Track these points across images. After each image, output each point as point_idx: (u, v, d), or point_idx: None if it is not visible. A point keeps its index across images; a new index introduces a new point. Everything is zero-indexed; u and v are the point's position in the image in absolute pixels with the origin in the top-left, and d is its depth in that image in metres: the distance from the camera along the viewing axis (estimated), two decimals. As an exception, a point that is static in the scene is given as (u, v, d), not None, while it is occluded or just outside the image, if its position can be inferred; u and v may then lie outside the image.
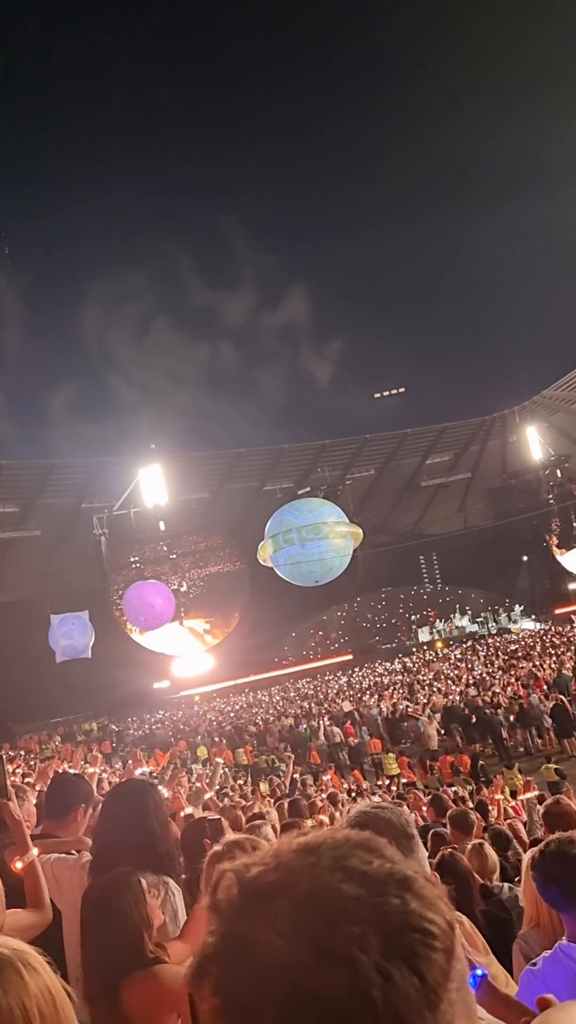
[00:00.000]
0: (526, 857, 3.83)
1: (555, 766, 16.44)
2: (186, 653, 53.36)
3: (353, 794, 12.93)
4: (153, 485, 52.70)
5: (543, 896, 2.69)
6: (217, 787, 9.63)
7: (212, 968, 0.62)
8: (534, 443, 63.91)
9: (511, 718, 22.65)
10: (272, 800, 11.30)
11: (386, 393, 71.53)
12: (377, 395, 71.44)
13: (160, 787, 6.94)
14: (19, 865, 2.84)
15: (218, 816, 3.83)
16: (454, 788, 14.10)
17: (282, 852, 0.68)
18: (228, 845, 2.88)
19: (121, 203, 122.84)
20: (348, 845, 0.68)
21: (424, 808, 9.11)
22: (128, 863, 2.65)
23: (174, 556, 55.29)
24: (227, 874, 0.69)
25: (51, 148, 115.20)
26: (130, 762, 9.80)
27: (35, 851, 2.89)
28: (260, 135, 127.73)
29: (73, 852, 3.50)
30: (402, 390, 70.09)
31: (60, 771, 5.78)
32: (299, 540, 37.03)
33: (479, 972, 2.75)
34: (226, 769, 22.25)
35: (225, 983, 0.61)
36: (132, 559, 54.64)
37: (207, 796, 7.88)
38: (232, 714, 37.48)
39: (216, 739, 28.95)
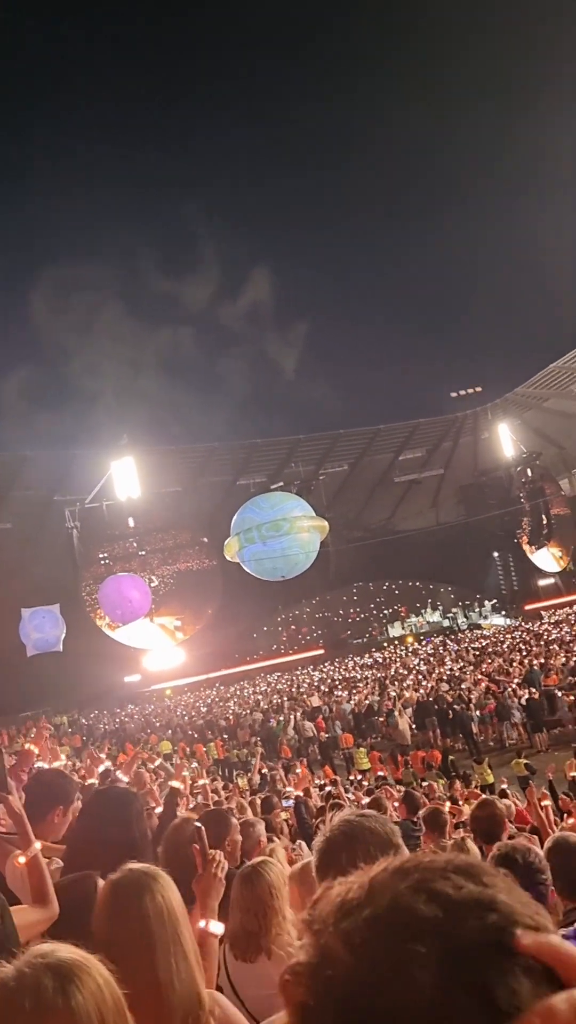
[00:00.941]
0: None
1: (525, 761, 16.62)
2: (157, 647, 53.24)
3: (326, 789, 12.94)
4: (126, 478, 52.41)
5: None
6: (189, 782, 9.57)
7: (297, 978, 0.63)
8: (506, 440, 64.36)
9: (481, 713, 22.83)
10: (249, 794, 11.32)
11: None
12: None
13: (119, 773, 6.93)
14: (22, 860, 2.78)
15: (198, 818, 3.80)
16: (426, 783, 14.20)
17: (377, 872, 0.68)
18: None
19: (82, 188, 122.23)
20: (446, 869, 0.66)
21: (396, 804, 9.15)
22: (103, 872, 2.60)
23: (143, 553, 55.07)
24: (329, 890, 0.69)
25: (5, 133, 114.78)
26: (87, 761, 9.74)
27: (38, 845, 2.84)
28: (225, 120, 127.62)
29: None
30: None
31: (40, 767, 5.69)
32: (259, 538, 37.09)
33: None
34: (194, 765, 22.25)
35: (300, 994, 0.62)
36: (101, 555, 54.38)
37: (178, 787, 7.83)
38: (203, 708, 37.41)
39: (188, 733, 28.95)
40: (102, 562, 54.27)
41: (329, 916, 0.66)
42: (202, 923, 2.73)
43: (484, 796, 5.40)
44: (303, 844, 7.33)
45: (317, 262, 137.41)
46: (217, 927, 2.77)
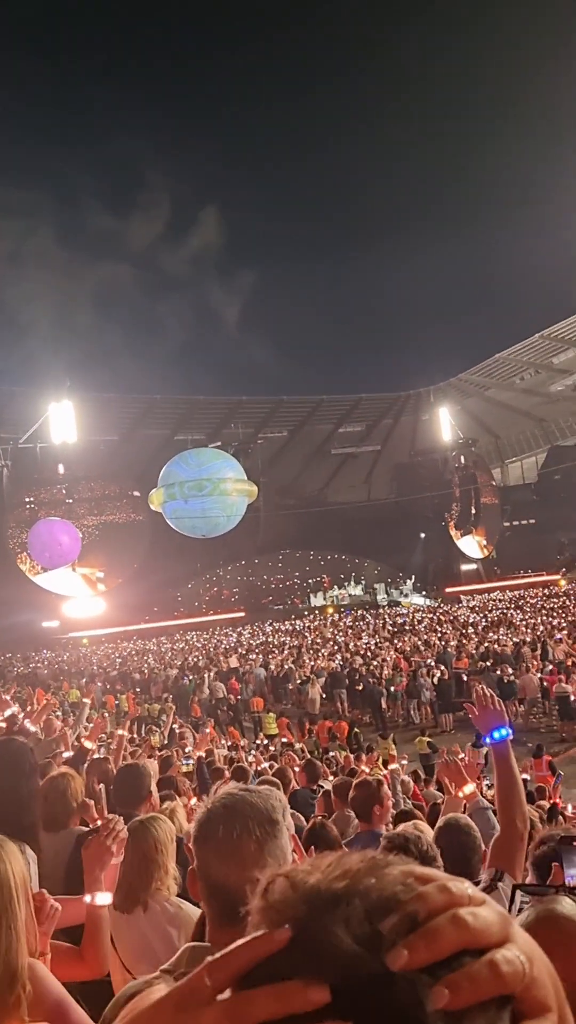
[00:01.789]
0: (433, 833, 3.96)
1: (428, 739, 17.06)
2: (78, 595, 52.81)
3: (232, 752, 13.11)
4: (63, 422, 51.52)
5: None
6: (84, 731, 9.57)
7: (282, 966, 0.59)
8: (445, 424, 65.09)
9: (392, 689, 23.26)
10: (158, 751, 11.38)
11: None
12: None
13: (27, 722, 6.92)
14: (88, 900, 2.71)
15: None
16: (331, 753, 14.48)
17: (348, 864, 0.65)
18: None
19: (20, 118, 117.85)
20: (408, 869, 0.65)
21: (296, 771, 9.32)
22: None
23: (70, 501, 54.19)
24: (278, 879, 0.66)
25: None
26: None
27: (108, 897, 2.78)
28: (176, 54, 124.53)
29: None
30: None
31: None
32: (181, 495, 37.00)
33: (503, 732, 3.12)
34: (104, 715, 22.24)
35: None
36: (27, 499, 53.42)
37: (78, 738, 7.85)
38: (119, 660, 37.33)
39: (100, 683, 28.85)
40: (27, 506, 53.33)
41: (309, 902, 0.63)
42: (87, 898, 2.71)
43: (365, 776, 5.54)
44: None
45: (267, 213, 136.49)
46: (104, 898, 2.75)
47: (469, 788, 4.45)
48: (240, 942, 0.61)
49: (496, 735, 3.16)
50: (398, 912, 0.58)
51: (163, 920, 3.12)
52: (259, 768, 10.01)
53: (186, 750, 11.16)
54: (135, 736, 14.64)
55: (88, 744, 6.93)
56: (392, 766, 9.50)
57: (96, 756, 6.88)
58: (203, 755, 8.88)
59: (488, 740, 3.22)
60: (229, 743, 17.47)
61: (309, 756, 11.82)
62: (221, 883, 1.44)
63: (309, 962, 0.58)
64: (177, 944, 2.83)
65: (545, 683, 20.48)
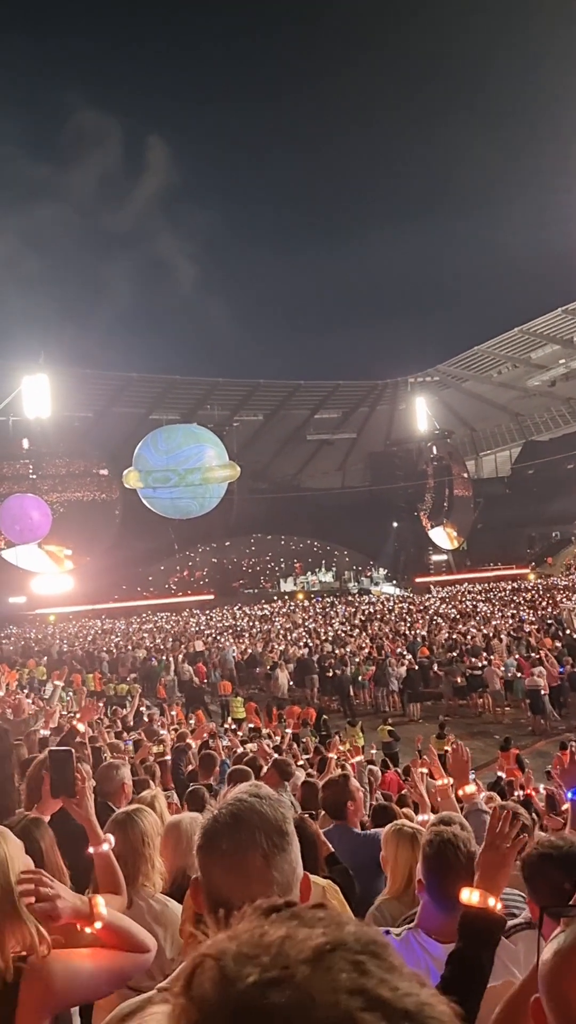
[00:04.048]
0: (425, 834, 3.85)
1: (389, 728, 17.06)
2: (46, 572, 52.34)
3: (206, 736, 12.97)
4: (37, 396, 50.86)
5: (426, 878, 2.67)
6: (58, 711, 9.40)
7: None
8: (421, 414, 65.17)
9: (361, 677, 23.27)
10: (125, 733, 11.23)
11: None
12: None
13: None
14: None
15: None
16: (304, 739, 14.40)
17: (292, 955, 0.56)
18: None
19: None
20: (362, 954, 0.56)
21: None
22: None
23: (34, 477, 53.51)
24: (208, 963, 0.57)
25: None
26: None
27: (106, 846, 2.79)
28: None
29: None
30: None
31: None
32: (148, 485, 36.92)
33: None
34: (69, 694, 22.03)
35: None
36: (-11, 473, 52.69)
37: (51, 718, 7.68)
38: (89, 639, 37.05)
39: (67, 662, 28.58)
40: (-11, 480, 52.64)
41: (239, 1013, 0.53)
42: (91, 849, 2.72)
43: (333, 775, 5.43)
44: (174, 794, 7.30)
45: (253, 199, 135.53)
46: (106, 846, 2.76)
47: (470, 788, 4.33)
48: None
49: None
50: None
51: (148, 918, 2.98)
52: (237, 752, 9.88)
53: (161, 732, 11.05)
54: (103, 717, 14.44)
55: (80, 727, 6.76)
56: (357, 758, 9.40)
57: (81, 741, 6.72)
58: (182, 744, 8.77)
59: (571, 795, 3.32)
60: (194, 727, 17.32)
61: (276, 747, 11.69)
62: (225, 898, 1.29)
63: None
64: (163, 943, 2.76)
65: (520, 675, 20.50)
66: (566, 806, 4.29)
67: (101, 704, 19.40)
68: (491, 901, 2.07)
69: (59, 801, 2.81)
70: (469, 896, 2.08)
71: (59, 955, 1.90)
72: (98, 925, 2.14)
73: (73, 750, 2.93)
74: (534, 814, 7.82)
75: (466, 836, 2.73)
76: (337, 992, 0.52)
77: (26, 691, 19.04)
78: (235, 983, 0.54)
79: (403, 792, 8.13)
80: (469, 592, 45.60)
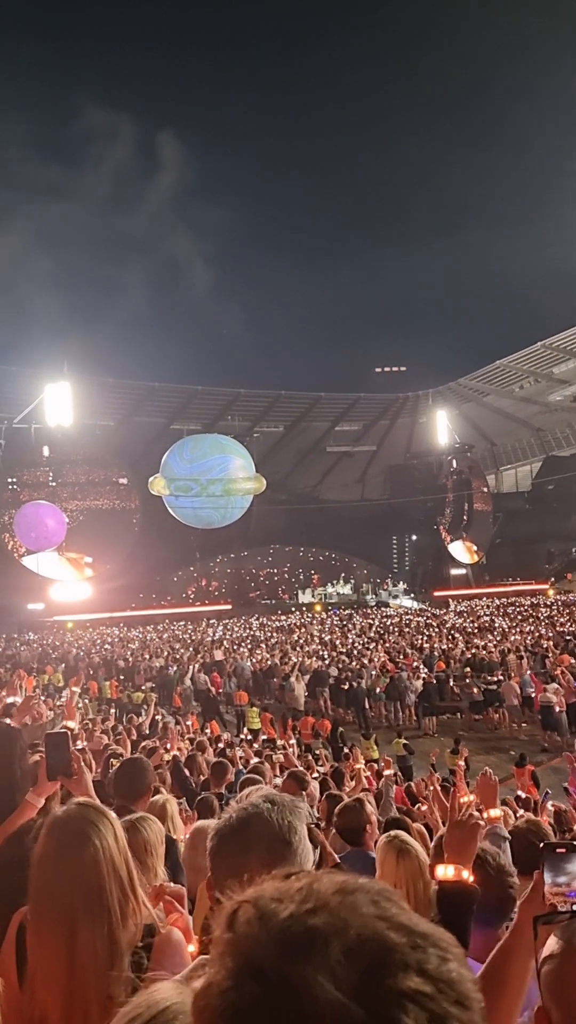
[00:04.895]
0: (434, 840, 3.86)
1: (404, 741, 17.00)
2: (65, 579, 52.60)
3: (222, 745, 13.02)
4: (59, 404, 51.22)
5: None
6: (79, 720, 9.49)
7: (246, 1018, 0.57)
8: (442, 428, 65.07)
9: (377, 690, 23.21)
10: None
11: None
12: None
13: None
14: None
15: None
16: (317, 751, 14.41)
17: (320, 892, 0.63)
18: None
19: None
20: (379, 894, 0.65)
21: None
22: None
23: (53, 484, 53.76)
24: (246, 906, 0.63)
25: None
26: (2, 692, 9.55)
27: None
28: None
29: None
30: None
31: None
32: (172, 492, 37.06)
33: None
34: (86, 701, 22.12)
35: None
36: (10, 480, 52.98)
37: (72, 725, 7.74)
38: (106, 647, 37.16)
39: (84, 669, 28.68)
40: (9, 487, 52.89)
41: (281, 940, 0.60)
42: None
43: (347, 801, 5.41)
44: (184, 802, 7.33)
45: (274, 212, 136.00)
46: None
47: (496, 812, 4.33)
48: None
49: None
50: (389, 961, 0.57)
51: None
52: (250, 762, 9.92)
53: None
54: (118, 724, 14.51)
55: (71, 724, 6.80)
56: (388, 771, 9.44)
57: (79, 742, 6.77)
58: (178, 753, 8.80)
59: None
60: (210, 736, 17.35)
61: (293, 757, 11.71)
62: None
63: (289, 1010, 0.55)
64: None
65: (531, 691, 20.40)
66: None
67: (113, 711, 19.50)
68: (464, 874, 2.25)
69: (55, 784, 2.87)
70: (445, 871, 2.26)
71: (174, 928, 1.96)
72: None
73: (69, 732, 3.02)
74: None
75: (495, 851, 2.76)
76: (365, 916, 0.60)
77: (43, 698, 19.12)
78: (275, 916, 0.61)
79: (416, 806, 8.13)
80: (487, 607, 45.40)
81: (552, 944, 1.46)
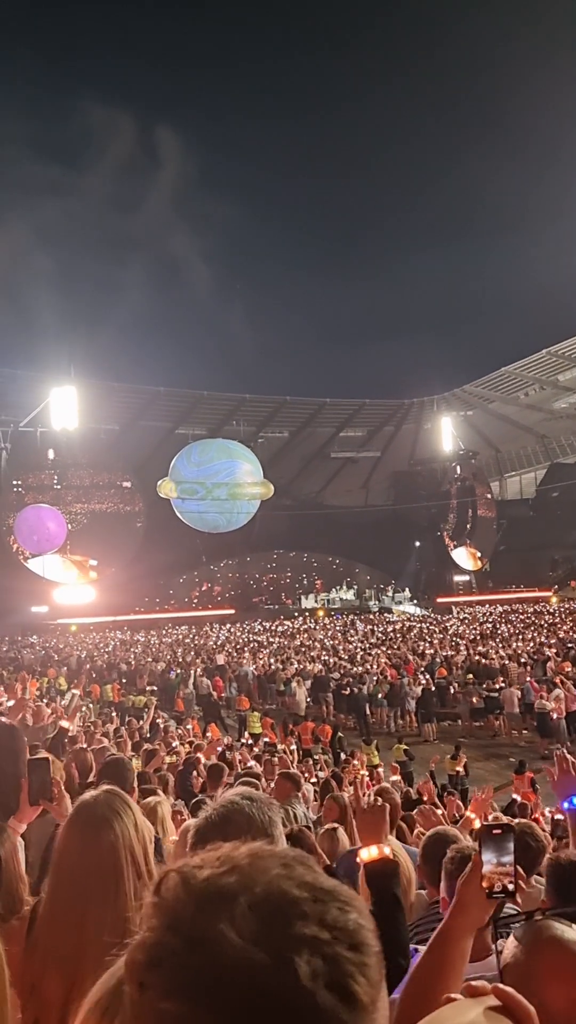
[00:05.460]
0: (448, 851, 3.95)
1: (404, 747, 17.01)
2: (71, 581, 52.70)
3: (223, 749, 13.05)
4: (65, 408, 51.36)
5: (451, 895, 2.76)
6: (79, 723, 9.55)
7: (166, 966, 0.65)
8: (447, 434, 65.06)
9: (379, 696, 23.21)
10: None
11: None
12: None
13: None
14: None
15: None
16: (315, 756, 14.45)
17: (233, 857, 0.72)
18: None
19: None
20: (292, 857, 0.73)
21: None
22: None
23: (58, 487, 53.88)
24: (171, 874, 0.72)
25: None
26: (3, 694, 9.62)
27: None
28: None
29: None
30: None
31: None
32: (179, 494, 37.11)
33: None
34: (89, 704, 22.17)
35: (182, 982, 0.63)
36: (15, 483, 53.11)
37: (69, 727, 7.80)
38: (108, 650, 37.20)
39: (86, 671, 28.72)
40: (14, 489, 53.01)
41: (196, 899, 0.68)
42: None
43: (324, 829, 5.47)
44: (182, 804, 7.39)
45: (278, 223, 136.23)
46: None
47: (472, 815, 4.43)
48: None
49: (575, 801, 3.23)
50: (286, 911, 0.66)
51: None
52: (247, 766, 9.98)
53: (173, 745, 11.12)
54: (120, 727, 14.56)
55: (65, 724, 6.88)
56: (394, 777, 9.52)
57: (78, 744, 6.84)
58: (183, 759, 8.84)
59: (567, 806, 3.26)
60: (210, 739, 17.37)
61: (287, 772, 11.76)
62: None
63: (199, 957, 0.63)
64: None
65: (532, 698, 20.40)
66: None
67: (115, 715, 19.56)
68: (386, 850, 2.43)
69: (36, 809, 2.95)
70: (368, 852, 2.43)
71: None
72: None
73: (49, 759, 3.12)
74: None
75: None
76: (272, 875, 0.69)
77: (45, 700, 19.18)
78: (194, 879, 0.70)
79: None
80: (490, 614, 45.34)
81: (511, 950, 1.52)
